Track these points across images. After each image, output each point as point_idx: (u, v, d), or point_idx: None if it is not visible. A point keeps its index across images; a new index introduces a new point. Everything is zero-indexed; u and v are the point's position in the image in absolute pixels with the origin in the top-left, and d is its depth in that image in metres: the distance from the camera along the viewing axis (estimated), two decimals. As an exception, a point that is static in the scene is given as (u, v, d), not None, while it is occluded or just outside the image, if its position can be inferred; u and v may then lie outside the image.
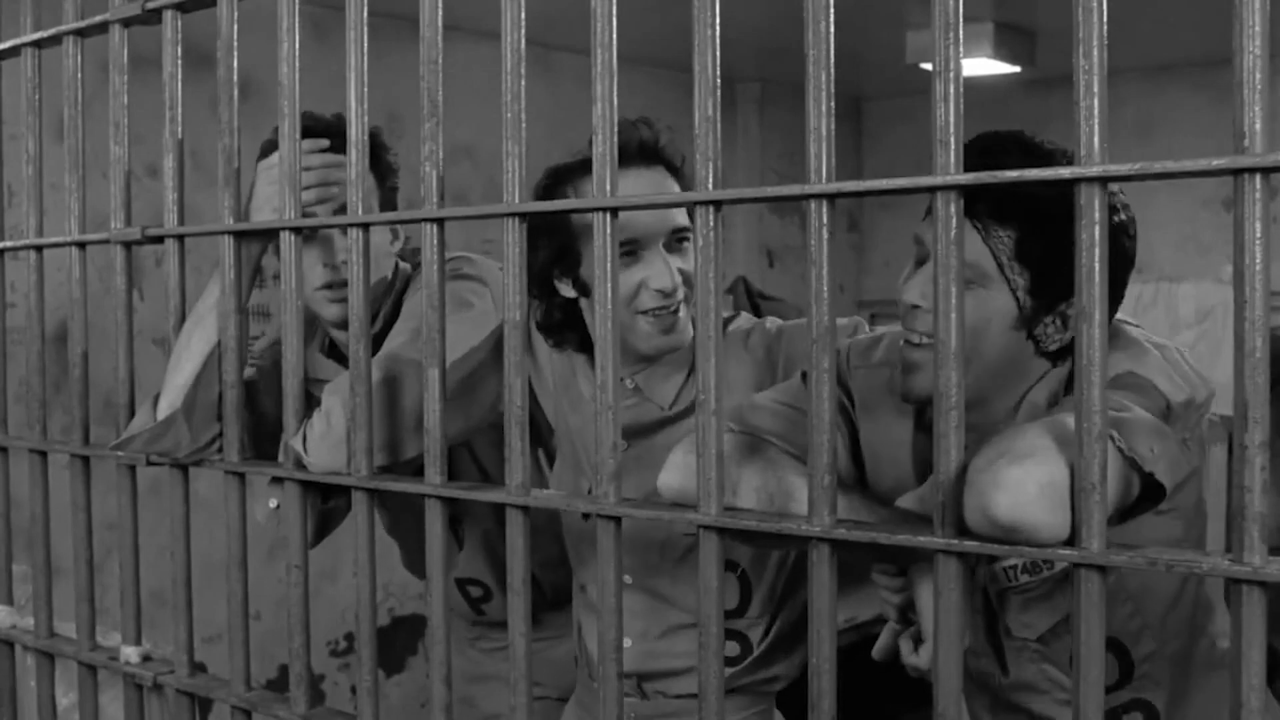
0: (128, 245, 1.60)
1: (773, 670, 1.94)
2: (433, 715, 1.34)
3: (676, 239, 1.76)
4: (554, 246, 1.79)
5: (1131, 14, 4.26)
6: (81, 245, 1.66)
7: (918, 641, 1.35)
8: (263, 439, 1.62)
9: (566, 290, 1.82)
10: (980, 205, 1.41)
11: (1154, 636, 1.58)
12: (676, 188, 1.78)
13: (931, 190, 1.01)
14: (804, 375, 1.64)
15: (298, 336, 1.45)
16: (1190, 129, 5.27)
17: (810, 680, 1.11)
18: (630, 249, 1.72)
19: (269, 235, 1.54)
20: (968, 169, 1.02)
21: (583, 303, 1.82)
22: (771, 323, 1.89)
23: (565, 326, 1.85)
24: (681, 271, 1.75)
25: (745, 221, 5.71)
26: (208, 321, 1.63)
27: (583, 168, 1.71)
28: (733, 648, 1.91)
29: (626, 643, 1.87)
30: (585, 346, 1.87)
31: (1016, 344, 1.46)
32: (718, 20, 1.12)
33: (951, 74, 1.00)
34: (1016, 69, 4.75)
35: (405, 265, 1.99)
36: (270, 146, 1.79)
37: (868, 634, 4.51)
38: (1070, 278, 1.00)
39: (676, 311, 1.77)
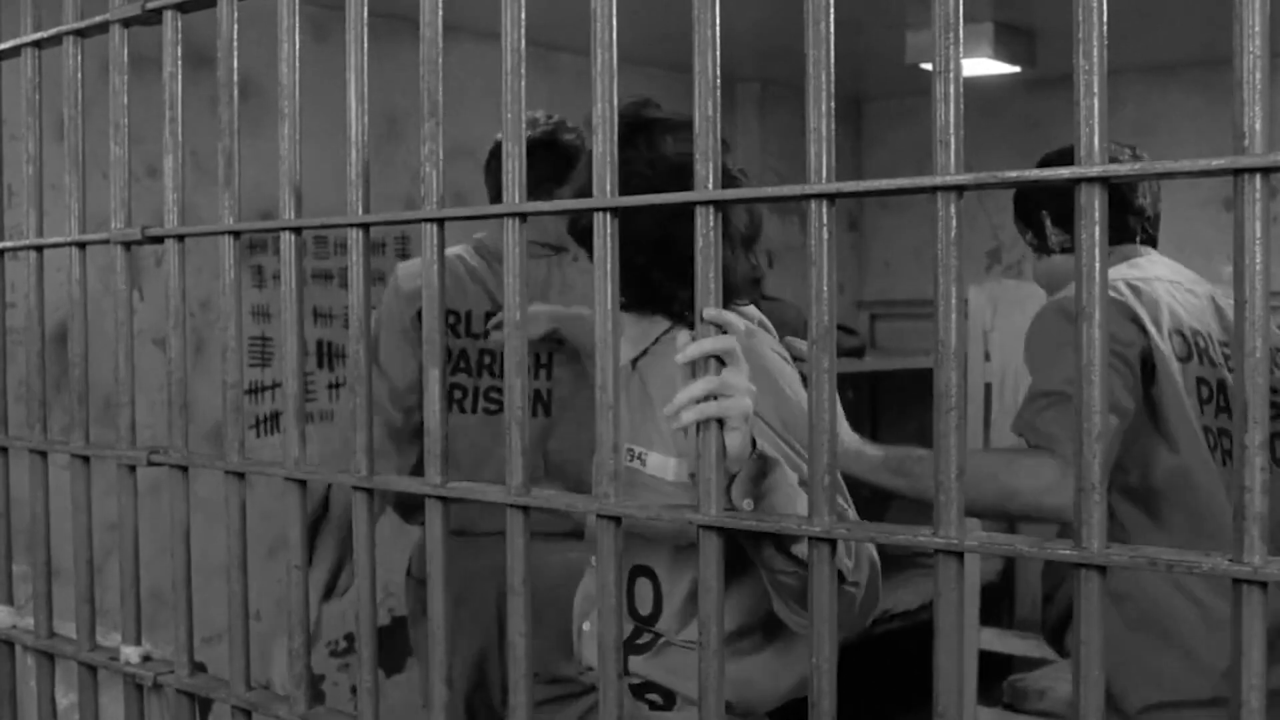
0: (128, 245, 1.60)
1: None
2: (433, 715, 1.34)
3: None
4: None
5: (1131, 14, 4.26)
6: (81, 245, 1.66)
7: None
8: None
9: None
10: None
11: None
12: None
13: (932, 190, 1.01)
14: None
15: (297, 337, 1.45)
16: (1190, 129, 5.27)
17: (810, 680, 1.10)
18: None
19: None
20: None
21: None
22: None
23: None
24: None
25: (745, 221, 5.71)
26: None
27: (665, 122, 1.76)
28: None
29: (585, 625, 1.81)
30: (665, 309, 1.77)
31: None
32: (718, 20, 1.12)
33: (951, 74, 1.00)
34: (1016, 69, 4.75)
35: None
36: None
37: (868, 634, 4.52)
38: None
39: None
